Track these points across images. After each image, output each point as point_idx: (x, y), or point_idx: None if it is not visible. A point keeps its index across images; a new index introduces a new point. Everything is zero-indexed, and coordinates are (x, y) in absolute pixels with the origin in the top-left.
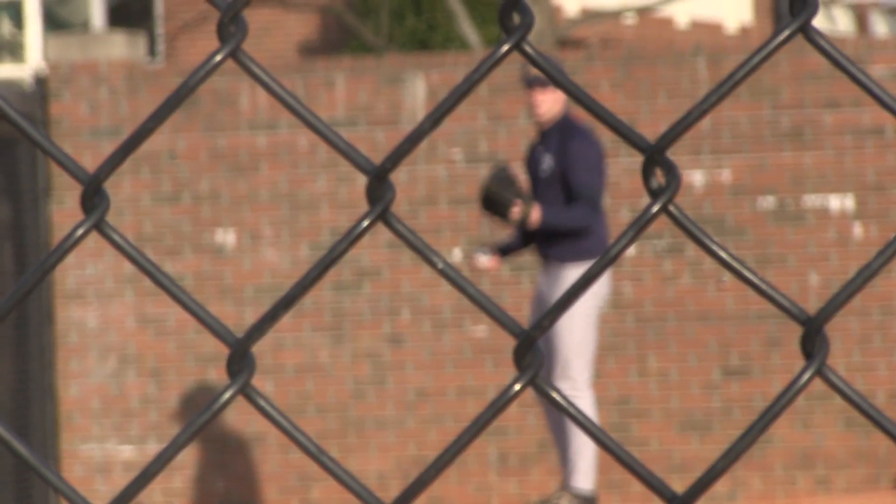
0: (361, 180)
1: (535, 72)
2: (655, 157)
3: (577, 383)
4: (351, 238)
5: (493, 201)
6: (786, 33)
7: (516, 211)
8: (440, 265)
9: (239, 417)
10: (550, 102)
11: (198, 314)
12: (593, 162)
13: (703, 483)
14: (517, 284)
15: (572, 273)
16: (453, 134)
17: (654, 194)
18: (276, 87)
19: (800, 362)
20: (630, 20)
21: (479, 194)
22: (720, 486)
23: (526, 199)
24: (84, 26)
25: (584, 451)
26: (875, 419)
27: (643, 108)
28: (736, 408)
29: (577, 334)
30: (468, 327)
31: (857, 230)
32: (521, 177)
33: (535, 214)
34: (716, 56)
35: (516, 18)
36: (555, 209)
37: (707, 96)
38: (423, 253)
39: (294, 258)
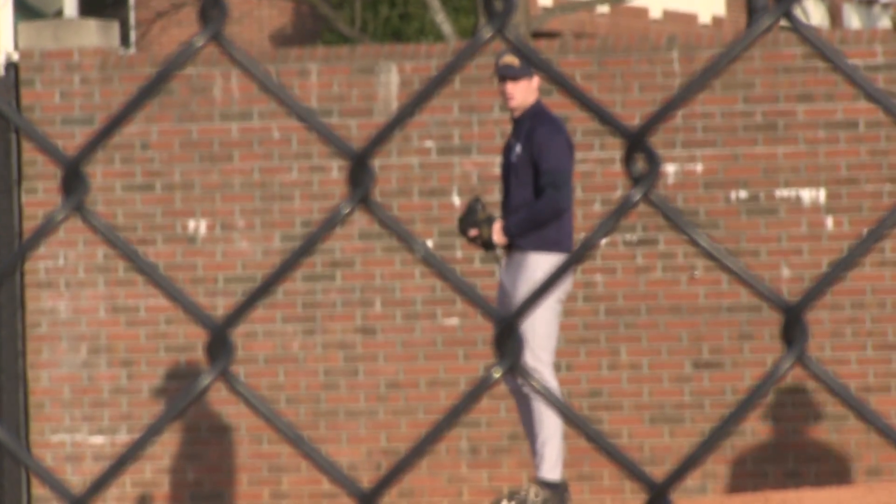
0: (334, 171)
1: (506, 62)
2: (638, 143)
3: (542, 374)
4: (332, 223)
5: (464, 237)
6: (771, 19)
7: (474, 237)
8: (421, 252)
9: (210, 408)
10: (522, 93)
11: (177, 299)
12: (559, 148)
13: (680, 472)
14: (491, 277)
15: (534, 261)
16: (426, 125)
17: (636, 181)
18: (257, 72)
19: (771, 355)
20: (604, 9)
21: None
22: (691, 480)
23: (480, 224)
24: (57, 14)
25: (552, 442)
26: (853, 405)
27: (616, 100)
28: (707, 401)
29: (539, 325)
30: (440, 318)
31: (829, 224)
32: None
33: (497, 234)
34: (689, 49)
35: (499, 5)
36: (517, 216)
37: (689, 84)
38: (405, 238)
39: (266, 248)
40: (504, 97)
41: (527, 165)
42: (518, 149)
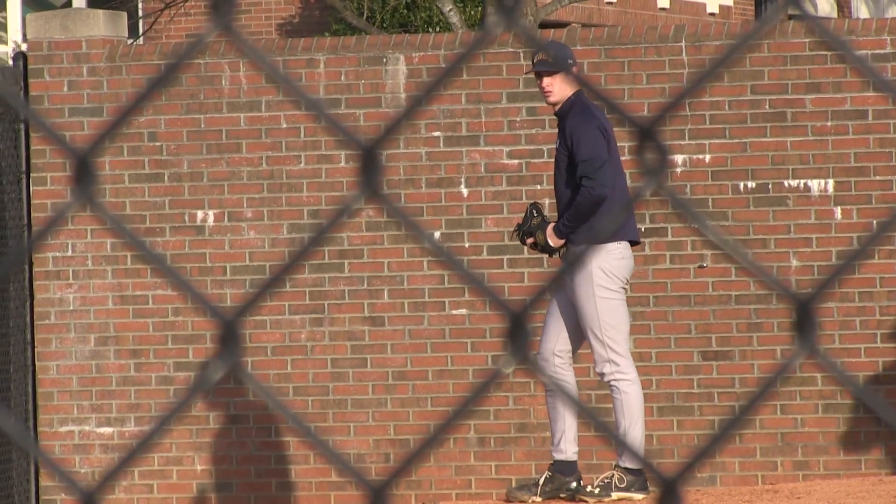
0: (342, 161)
1: (540, 58)
2: (649, 135)
3: (618, 366)
4: (342, 215)
5: (524, 245)
6: (781, 10)
7: (532, 245)
8: (430, 244)
9: (218, 399)
10: (559, 86)
11: (188, 290)
12: (590, 136)
13: (692, 465)
14: (498, 268)
15: (589, 254)
16: (434, 115)
17: (647, 172)
18: (265, 63)
19: (780, 346)
20: None
21: None
22: (700, 471)
23: (534, 230)
24: (65, 5)
25: (634, 430)
26: (863, 397)
27: (624, 90)
28: (715, 391)
29: (604, 317)
30: (448, 309)
31: (838, 214)
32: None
33: (551, 237)
34: (697, 39)
35: None
36: (563, 218)
37: (701, 75)
38: (414, 229)
39: (274, 239)
40: (543, 94)
41: (565, 159)
42: (558, 143)
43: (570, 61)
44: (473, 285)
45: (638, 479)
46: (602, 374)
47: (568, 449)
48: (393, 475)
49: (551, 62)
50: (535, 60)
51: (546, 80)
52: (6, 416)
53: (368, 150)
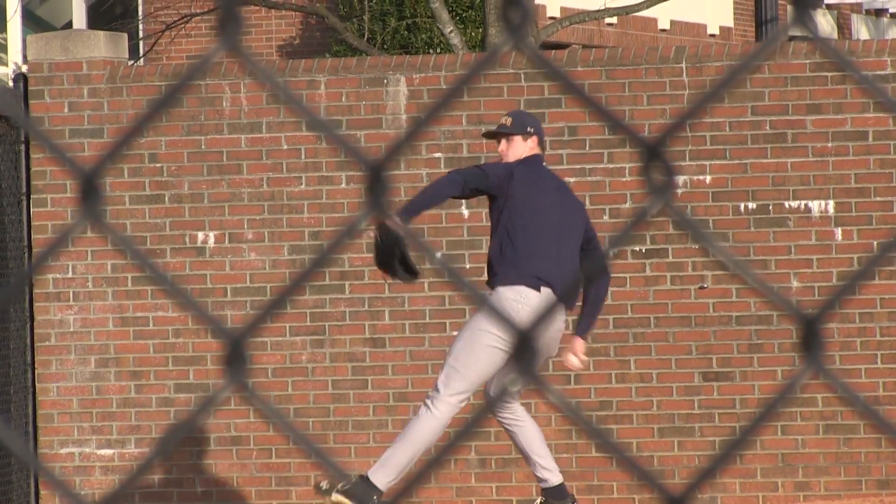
0: (343, 182)
1: (500, 122)
2: (656, 154)
3: (438, 396)
4: (349, 233)
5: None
6: (792, 29)
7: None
8: (438, 263)
9: (219, 419)
10: (515, 150)
11: (196, 310)
12: (486, 169)
13: (697, 484)
14: None
15: (492, 296)
16: (435, 136)
17: (653, 192)
18: (275, 83)
19: (781, 367)
20: (612, 20)
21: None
22: (701, 492)
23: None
24: (66, 26)
25: (402, 453)
26: (869, 415)
27: (625, 111)
28: (716, 412)
29: (462, 353)
30: (449, 330)
31: (839, 235)
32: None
33: (389, 220)
34: (698, 60)
35: (515, 17)
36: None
37: (705, 95)
38: (422, 249)
39: (275, 260)
40: (500, 156)
41: (495, 211)
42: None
43: (530, 129)
44: (483, 304)
45: (365, 492)
46: (427, 393)
47: (548, 476)
48: (401, 494)
49: (509, 126)
50: (498, 125)
51: (503, 144)
52: (19, 440)
53: (375, 169)
